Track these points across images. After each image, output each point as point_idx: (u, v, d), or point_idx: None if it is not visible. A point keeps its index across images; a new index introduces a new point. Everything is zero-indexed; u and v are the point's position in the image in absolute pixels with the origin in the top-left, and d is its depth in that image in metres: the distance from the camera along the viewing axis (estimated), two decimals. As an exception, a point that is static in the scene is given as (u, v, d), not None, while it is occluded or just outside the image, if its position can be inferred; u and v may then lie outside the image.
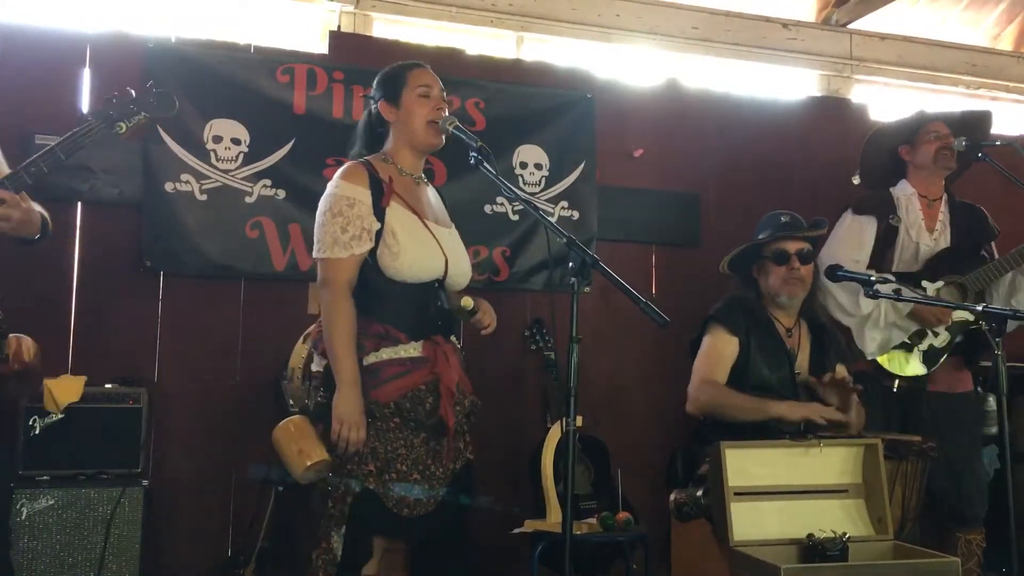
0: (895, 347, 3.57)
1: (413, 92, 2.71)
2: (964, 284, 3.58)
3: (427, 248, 2.63)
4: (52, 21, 3.91)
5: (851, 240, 3.66)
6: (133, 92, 2.74)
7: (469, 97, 4.28)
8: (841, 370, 3.20)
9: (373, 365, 2.55)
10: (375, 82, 2.81)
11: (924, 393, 3.58)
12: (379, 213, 2.58)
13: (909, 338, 3.56)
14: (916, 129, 3.75)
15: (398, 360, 2.56)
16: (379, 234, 2.58)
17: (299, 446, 2.54)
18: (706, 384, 3.19)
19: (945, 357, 3.59)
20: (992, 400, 3.92)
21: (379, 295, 2.60)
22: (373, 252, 2.58)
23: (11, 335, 2.80)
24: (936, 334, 3.57)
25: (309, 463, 2.50)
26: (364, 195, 2.59)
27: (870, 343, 3.55)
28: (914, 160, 3.74)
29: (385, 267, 2.58)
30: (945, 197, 3.78)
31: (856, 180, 3.95)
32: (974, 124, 3.80)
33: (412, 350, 2.58)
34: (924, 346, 3.56)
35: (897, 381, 3.57)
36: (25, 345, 2.78)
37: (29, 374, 2.83)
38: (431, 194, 2.84)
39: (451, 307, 2.71)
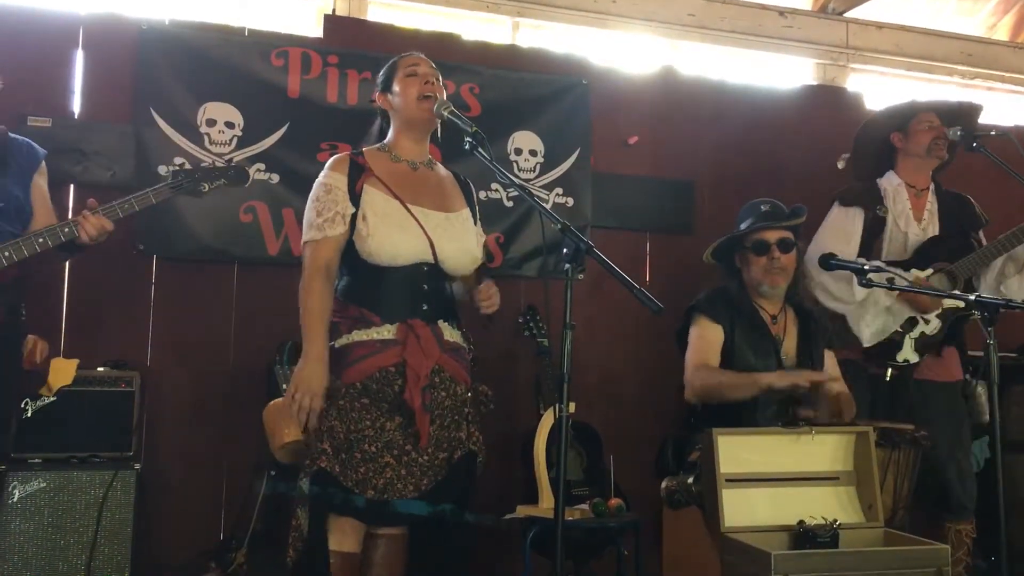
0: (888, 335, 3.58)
1: (402, 74, 2.78)
2: (954, 271, 3.58)
3: (403, 231, 2.63)
4: (45, 2, 3.89)
5: (838, 232, 3.65)
6: (217, 163, 3.20)
7: (464, 83, 4.27)
8: (819, 375, 3.18)
9: (344, 347, 2.60)
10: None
11: (910, 381, 3.58)
12: (354, 198, 2.65)
13: (901, 326, 3.57)
14: (909, 117, 3.75)
15: (368, 342, 2.59)
16: (355, 218, 2.64)
17: (276, 426, 2.67)
18: (700, 368, 3.19)
19: (936, 344, 3.60)
20: (982, 389, 3.92)
21: (364, 280, 2.66)
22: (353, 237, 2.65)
23: (30, 336, 2.98)
24: (927, 321, 3.57)
25: (282, 442, 2.64)
26: (340, 181, 2.67)
27: (866, 330, 3.55)
28: (907, 148, 3.74)
29: (360, 250, 2.63)
30: (932, 187, 3.78)
31: (841, 164, 3.96)
32: (964, 116, 3.80)
33: (385, 332, 2.60)
34: (916, 333, 3.57)
35: (890, 370, 3.57)
36: (40, 348, 2.98)
37: (39, 375, 3.09)
38: (437, 180, 2.84)
39: (460, 294, 2.79)
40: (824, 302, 3.58)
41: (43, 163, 3.00)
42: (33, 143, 3.00)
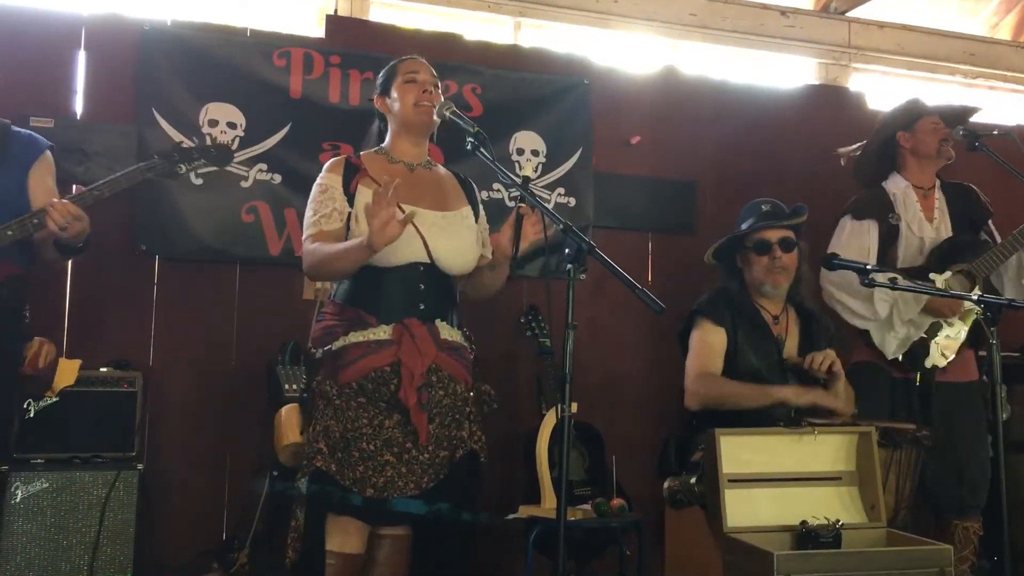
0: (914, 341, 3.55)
1: (400, 80, 2.79)
2: (972, 271, 3.54)
3: None
4: (47, 3, 3.89)
5: (853, 247, 3.60)
6: (197, 141, 3.14)
7: (466, 83, 4.27)
8: (816, 357, 3.18)
9: (340, 349, 2.61)
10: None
11: (932, 383, 3.55)
12: (349, 198, 2.68)
13: (925, 332, 3.54)
14: (915, 117, 3.73)
15: (363, 343, 2.60)
16: (351, 218, 2.66)
17: (281, 430, 2.78)
18: (703, 377, 3.18)
19: (962, 346, 3.58)
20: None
21: (363, 283, 2.66)
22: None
23: (36, 339, 2.95)
24: (951, 325, 3.55)
25: (283, 445, 2.75)
26: (336, 180, 2.70)
27: (890, 343, 3.53)
28: (915, 148, 3.71)
29: None
30: (937, 183, 3.76)
31: (843, 161, 3.95)
32: (962, 117, 3.80)
33: (381, 333, 2.61)
34: (941, 338, 3.54)
35: (919, 375, 3.54)
36: (44, 351, 2.94)
37: (40, 380, 3.05)
38: (435, 179, 2.85)
39: (475, 290, 2.85)
40: (849, 320, 3.58)
41: (46, 154, 2.93)
42: (36, 135, 2.94)
